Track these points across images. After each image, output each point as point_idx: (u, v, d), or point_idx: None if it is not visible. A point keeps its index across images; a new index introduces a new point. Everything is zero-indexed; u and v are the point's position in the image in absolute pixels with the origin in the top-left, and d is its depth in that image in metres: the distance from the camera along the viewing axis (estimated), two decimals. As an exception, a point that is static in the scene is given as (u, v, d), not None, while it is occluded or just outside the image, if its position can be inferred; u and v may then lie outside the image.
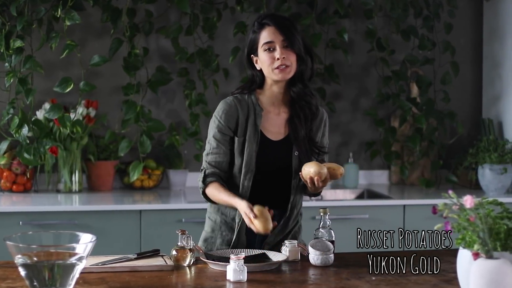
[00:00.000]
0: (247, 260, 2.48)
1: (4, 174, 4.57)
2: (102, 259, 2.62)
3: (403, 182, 5.15)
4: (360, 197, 4.96)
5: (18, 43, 4.21)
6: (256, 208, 2.68)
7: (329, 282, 2.44)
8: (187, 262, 2.62)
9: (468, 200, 1.97)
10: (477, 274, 1.92)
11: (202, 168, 2.94)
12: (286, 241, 2.75)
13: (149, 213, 4.17)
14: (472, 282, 1.93)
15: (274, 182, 2.91)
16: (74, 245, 2.04)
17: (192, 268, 2.60)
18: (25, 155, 4.32)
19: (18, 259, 2.00)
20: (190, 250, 2.63)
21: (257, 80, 2.94)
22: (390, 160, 4.97)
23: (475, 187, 4.88)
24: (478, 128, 5.13)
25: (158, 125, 4.53)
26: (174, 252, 2.63)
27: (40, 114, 4.50)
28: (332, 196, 4.92)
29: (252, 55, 2.93)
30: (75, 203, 4.33)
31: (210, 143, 2.92)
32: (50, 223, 4.04)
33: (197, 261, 2.66)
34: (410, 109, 4.88)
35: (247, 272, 2.41)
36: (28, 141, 4.32)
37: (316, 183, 2.72)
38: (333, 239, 2.74)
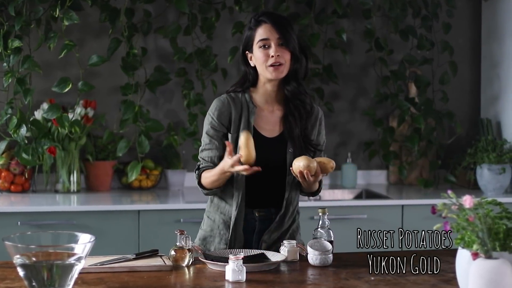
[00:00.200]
0: (246, 260, 2.48)
1: (2, 174, 4.57)
2: (101, 259, 2.61)
3: (401, 182, 5.15)
4: (358, 197, 4.96)
5: (16, 43, 4.21)
6: (241, 138, 2.72)
7: (328, 282, 2.44)
8: (185, 262, 2.62)
9: (468, 200, 1.97)
10: (476, 274, 1.92)
11: (197, 164, 2.97)
12: (285, 241, 2.74)
13: (148, 213, 4.17)
14: (471, 282, 1.93)
15: (269, 179, 2.91)
16: (72, 245, 2.03)
17: (191, 268, 2.60)
18: (23, 155, 4.32)
19: (17, 259, 1.99)
20: (189, 250, 2.63)
21: (250, 77, 2.96)
22: (389, 160, 4.98)
23: (473, 187, 4.88)
24: (477, 128, 5.13)
25: (156, 125, 4.53)
26: (172, 252, 2.63)
27: (38, 114, 4.50)
28: (330, 196, 4.92)
29: (247, 52, 2.95)
30: (73, 203, 4.33)
31: (204, 139, 2.96)
32: (48, 223, 4.04)
33: (195, 261, 2.66)
34: (408, 109, 4.88)
35: (246, 272, 2.41)
36: (26, 141, 4.31)
37: (306, 176, 2.74)
38: (332, 239, 2.74)
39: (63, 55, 4.30)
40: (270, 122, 2.95)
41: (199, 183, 2.93)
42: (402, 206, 4.43)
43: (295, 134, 2.92)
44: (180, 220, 4.14)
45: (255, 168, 2.71)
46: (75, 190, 4.58)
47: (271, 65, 2.85)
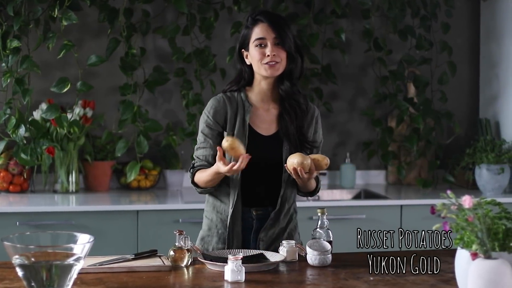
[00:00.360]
0: (245, 260, 2.48)
1: (1, 174, 4.56)
2: (100, 260, 2.61)
3: (400, 182, 5.15)
4: (357, 197, 4.96)
5: (15, 43, 4.21)
6: (225, 143, 2.74)
7: (327, 282, 2.44)
8: (184, 263, 2.62)
9: (467, 200, 1.97)
10: (475, 274, 1.92)
11: (192, 162, 3.00)
12: (283, 241, 2.74)
13: (146, 213, 4.17)
14: (470, 282, 1.93)
15: (265, 176, 2.93)
16: (71, 245, 2.03)
17: (190, 269, 2.60)
18: (22, 155, 4.31)
19: (16, 259, 1.99)
20: (188, 250, 2.63)
21: (246, 76, 2.98)
22: (387, 160, 4.97)
23: (472, 187, 4.88)
24: (475, 128, 5.13)
25: (155, 125, 4.53)
26: (171, 253, 2.63)
27: (37, 114, 4.50)
28: (329, 196, 4.92)
29: (243, 50, 2.97)
30: (72, 204, 4.33)
31: (199, 138, 2.99)
32: (47, 224, 4.03)
33: (194, 261, 2.66)
34: (407, 109, 4.88)
35: (245, 272, 2.41)
36: (25, 142, 4.31)
37: (300, 173, 2.74)
38: (331, 239, 2.74)
39: (61, 55, 4.30)
40: (266, 121, 2.97)
41: (193, 181, 2.95)
42: (401, 206, 4.43)
43: (291, 132, 2.93)
44: (179, 220, 4.14)
45: (245, 158, 2.72)
46: (74, 190, 4.58)
47: (267, 63, 2.87)
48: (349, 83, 5.14)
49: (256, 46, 2.89)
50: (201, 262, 2.63)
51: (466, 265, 2.00)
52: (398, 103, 4.89)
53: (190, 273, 2.56)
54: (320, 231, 2.75)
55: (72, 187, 4.57)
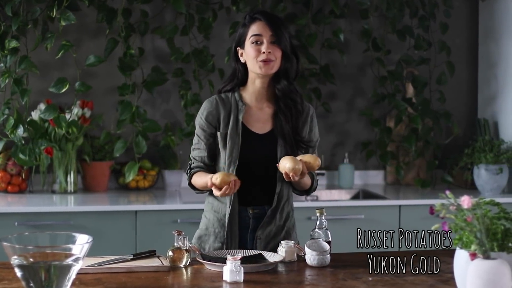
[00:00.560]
0: (243, 260, 2.48)
1: (-1, 174, 4.57)
2: (98, 260, 2.61)
3: (398, 182, 5.15)
4: (355, 197, 4.95)
5: (13, 44, 4.21)
6: (219, 180, 2.75)
7: (325, 282, 2.44)
8: (183, 263, 2.62)
9: (466, 201, 1.97)
10: (474, 274, 1.92)
11: (189, 163, 3.03)
12: (282, 242, 2.75)
13: (145, 213, 4.17)
14: (469, 282, 1.93)
15: (260, 175, 2.93)
16: (70, 246, 2.03)
17: (189, 269, 2.60)
18: (20, 155, 4.31)
19: (14, 260, 1.99)
20: (187, 250, 2.63)
21: (239, 75, 2.99)
22: (386, 160, 4.97)
23: (470, 187, 4.88)
24: (474, 128, 5.13)
25: (153, 125, 4.53)
26: (170, 253, 2.62)
27: (35, 115, 4.49)
28: (327, 196, 4.92)
29: (238, 48, 2.98)
30: (70, 204, 4.32)
31: (194, 139, 3.02)
32: (45, 224, 4.03)
33: (193, 261, 2.66)
34: (405, 109, 4.88)
35: (244, 272, 2.41)
36: (23, 142, 4.31)
37: (292, 178, 2.76)
38: (330, 239, 2.74)
39: (60, 55, 4.29)
40: (261, 119, 2.98)
41: (190, 183, 2.99)
42: (399, 206, 4.43)
43: (286, 131, 2.93)
44: (177, 220, 4.14)
45: (236, 183, 2.76)
46: (72, 190, 4.57)
47: (262, 61, 2.87)
48: (348, 83, 5.14)
49: (252, 43, 2.90)
50: (200, 263, 2.63)
51: (465, 265, 2.00)
52: (397, 103, 4.89)
53: (189, 273, 2.55)
54: (319, 231, 2.75)
55: (70, 187, 4.57)
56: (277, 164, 2.82)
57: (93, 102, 4.66)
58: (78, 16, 4.42)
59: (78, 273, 2.09)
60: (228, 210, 2.92)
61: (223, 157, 2.92)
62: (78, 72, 4.40)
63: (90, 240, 2.05)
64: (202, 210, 3.07)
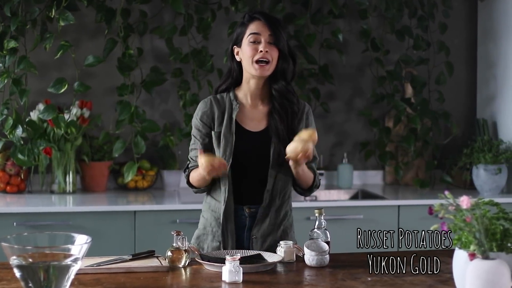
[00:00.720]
0: (242, 261, 2.47)
1: (-2, 175, 4.57)
2: (97, 260, 2.61)
3: (397, 183, 5.15)
4: (354, 197, 4.95)
5: (12, 44, 4.21)
6: (203, 160, 2.78)
7: (324, 283, 2.44)
8: (182, 263, 2.62)
9: (465, 201, 1.97)
10: (473, 274, 1.92)
11: (187, 163, 3.05)
12: (281, 242, 2.74)
13: (144, 214, 4.17)
14: (468, 282, 1.93)
15: (254, 172, 2.93)
16: (69, 246, 2.03)
17: (188, 269, 2.60)
18: (19, 156, 4.31)
19: (13, 260, 1.99)
20: (186, 251, 2.63)
21: (234, 74, 3.00)
22: (385, 160, 4.97)
23: (469, 188, 4.88)
24: (473, 128, 5.13)
25: (152, 125, 4.53)
26: (169, 253, 2.62)
27: (34, 115, 4.49)
28: (326, 196, 4.92)
29: (235, 46, 2.98)
30: (69, 204, 4.32)
31: (191, 140, 3.04)
32: (44, 224, 4.03)
33: (192, 262, 2.66)
34: (404, 109, 4.88)
35: (243, 273, 2.41)
36: (22, 142, 4.31)
37: (300, 160, 2.76)
38: (329, 239, 2.74)
39: (59, 55, 4.29)
40: (255, 118, 2.98)
41: (188, 182, 3.00)
42: (398, 206, 4.43)
43: (280, 130, 2.93)
44: (176, 220, 4.14)
45: (219, 163, 2.78)
46: (71, 190, 4.57)
47: (258, 62, 2.87)
48: (347, 83, 5.14)
49: (250, 42, 2.90)
50: (199, 263, 2.63)
51: (464, 265, 2.00)
52: (396, 103, 4.89)
53: (188, 273, 2.55)
54: (318, 231, 2.75)
55: (69, 188, 4.57)
56: (286, 157, 2.79)
57: (92, 102, 4.66)
58: (77, 16, 4.42)
59: (77, 274, 2.09)
60: (222, 207, 2.92)
61: (218, 155, 2.92)
62: (77, 72, 4.40)
63: (89, 240, 2.05)
64: (201, 210, 3.07)
